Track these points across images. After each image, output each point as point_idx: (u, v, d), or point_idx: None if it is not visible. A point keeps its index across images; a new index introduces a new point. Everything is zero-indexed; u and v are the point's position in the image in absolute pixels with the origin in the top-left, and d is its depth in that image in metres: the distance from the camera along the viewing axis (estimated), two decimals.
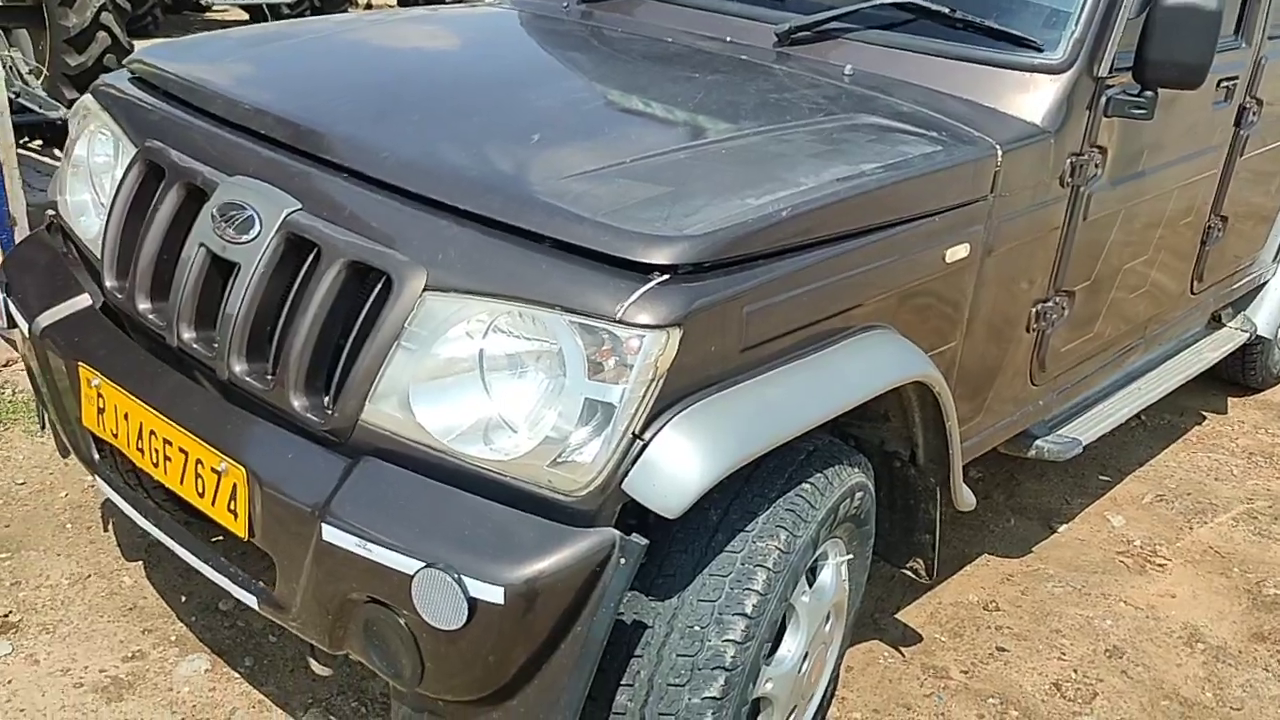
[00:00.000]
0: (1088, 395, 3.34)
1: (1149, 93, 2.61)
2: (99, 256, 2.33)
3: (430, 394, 1.86)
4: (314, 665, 2.17)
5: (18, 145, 4.27)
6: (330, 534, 1.84)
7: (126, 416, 2.18)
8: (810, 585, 2.27)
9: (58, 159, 6.01)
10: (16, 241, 3.53)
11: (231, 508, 2.01)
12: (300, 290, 1.99)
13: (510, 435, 1.83)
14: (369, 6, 12.41)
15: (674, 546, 2.01)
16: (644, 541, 1.80)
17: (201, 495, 2.07)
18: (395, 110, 2.31)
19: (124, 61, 2.69)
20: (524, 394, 1.83)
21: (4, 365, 3.91)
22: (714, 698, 1.97)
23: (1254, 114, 3.48)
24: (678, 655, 1.96)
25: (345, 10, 10.78)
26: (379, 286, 1.91)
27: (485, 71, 2.71)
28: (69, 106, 6.03)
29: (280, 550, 1.97)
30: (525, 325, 1.83)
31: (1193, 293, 3.68)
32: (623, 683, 1.99)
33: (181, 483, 2.11)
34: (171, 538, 2.24)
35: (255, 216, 2.04)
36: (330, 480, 1.89)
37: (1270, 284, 4.24)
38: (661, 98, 2.49)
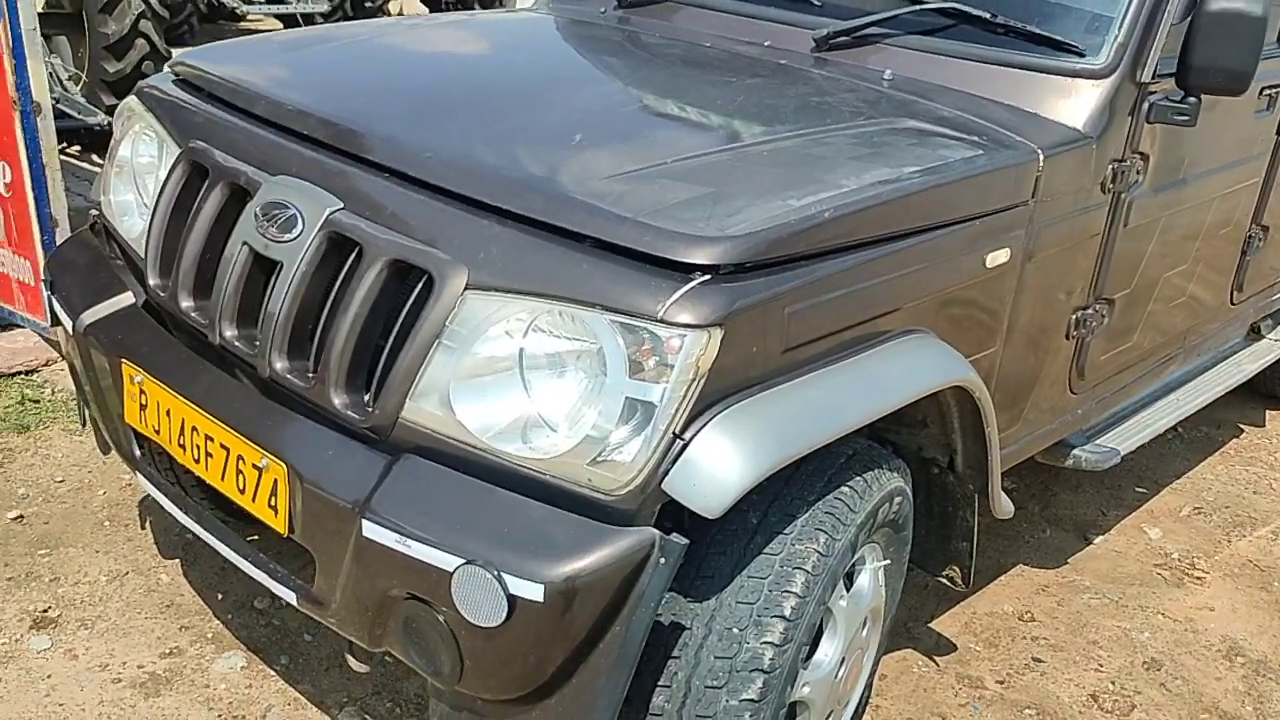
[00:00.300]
0: (1126, 405, 3.31)
1: (1192, 99, 2.59)
2: (142, 255, 2.35)
3: (470, 392, 1.86)
4: (352, 662, 2.17)
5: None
6: (370, 530, 1.84)
7: (169, 413, 2.20)
8: (848, 590, 2.25)
9: (96, 164, 6.08)
10: (58, 242, 3.57)
11: (272, 504, 2.03)
12: (342, 289, 2.00)
13: (550, 434, 1.83)
14: (400, 14, 12.50)
15: (712, 548, 2.00)
16: (684, 541, 1.79)
17: (242, 491, 2.08)
18: (437, 111, 2.32)
19: (167, 64, 2.72)
20: (564, 393, 1.83)
21: (44, 365, 3.95)
22: (752, 700, 1.96)
23: None
24: (716, 657, 1.96)
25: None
26: (420, 285, 1.92)
27: (525, 74, 2.73)
28: (108, 112, 6.09)
29: (320, 546, 1.98)
30: (566, 324, 1.83)
31: (1232, 303, 3.64)
32: (660, 684, 1.99)
33: (222, 479, 2.12)
34: (211, 533, 2.26)
35: (298, 215, 2.06)
36: (370, 477, 1.89)
37: None
38: (701, 101, 2.50)
